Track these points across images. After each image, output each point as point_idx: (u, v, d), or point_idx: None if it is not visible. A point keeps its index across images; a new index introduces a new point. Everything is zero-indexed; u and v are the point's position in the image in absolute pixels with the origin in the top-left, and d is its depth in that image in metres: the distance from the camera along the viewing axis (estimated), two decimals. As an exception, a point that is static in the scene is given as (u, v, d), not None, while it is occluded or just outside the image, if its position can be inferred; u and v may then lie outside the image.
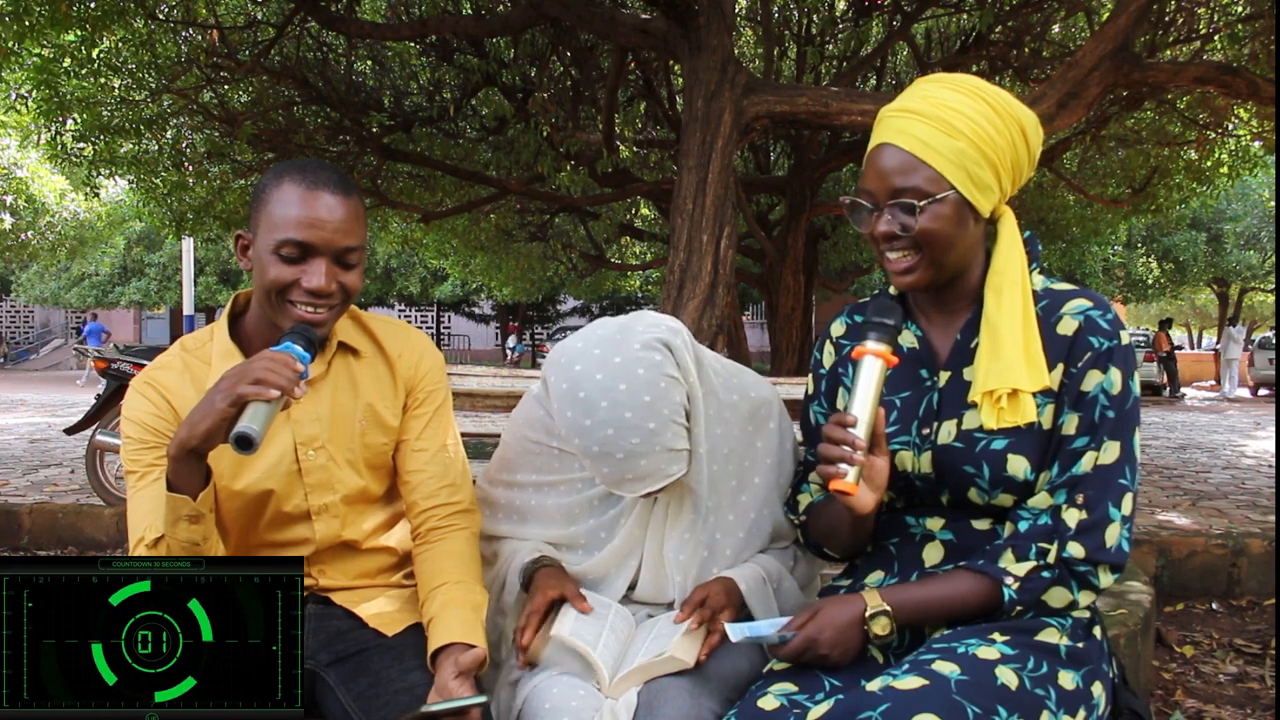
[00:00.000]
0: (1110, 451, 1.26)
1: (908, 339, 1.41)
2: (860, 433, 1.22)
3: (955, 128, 1.26)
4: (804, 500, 1.53)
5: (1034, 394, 1.27)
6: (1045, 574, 1.25)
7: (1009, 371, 1.26)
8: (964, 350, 1.36)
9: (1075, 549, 1.24)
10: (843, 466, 1.21)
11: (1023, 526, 1.27)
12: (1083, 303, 1.31)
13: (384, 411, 1.53)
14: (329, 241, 1.37)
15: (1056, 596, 1.25)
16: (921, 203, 1.26)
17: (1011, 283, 1.31)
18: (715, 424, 1.51)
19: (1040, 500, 1.28)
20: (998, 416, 1.27)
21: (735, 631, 1.31)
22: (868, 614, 1.26)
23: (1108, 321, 1.29)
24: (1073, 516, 1.25)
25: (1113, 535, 1.24)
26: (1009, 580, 1.24)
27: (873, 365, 1.25)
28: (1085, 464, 1.26)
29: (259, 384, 1.21)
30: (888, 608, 1.26)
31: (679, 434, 1.39)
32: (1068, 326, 1.30)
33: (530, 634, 1.43)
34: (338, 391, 1.51)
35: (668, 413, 1.35)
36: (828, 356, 1.53)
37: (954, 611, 1.28)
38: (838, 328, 1.54)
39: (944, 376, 1.36)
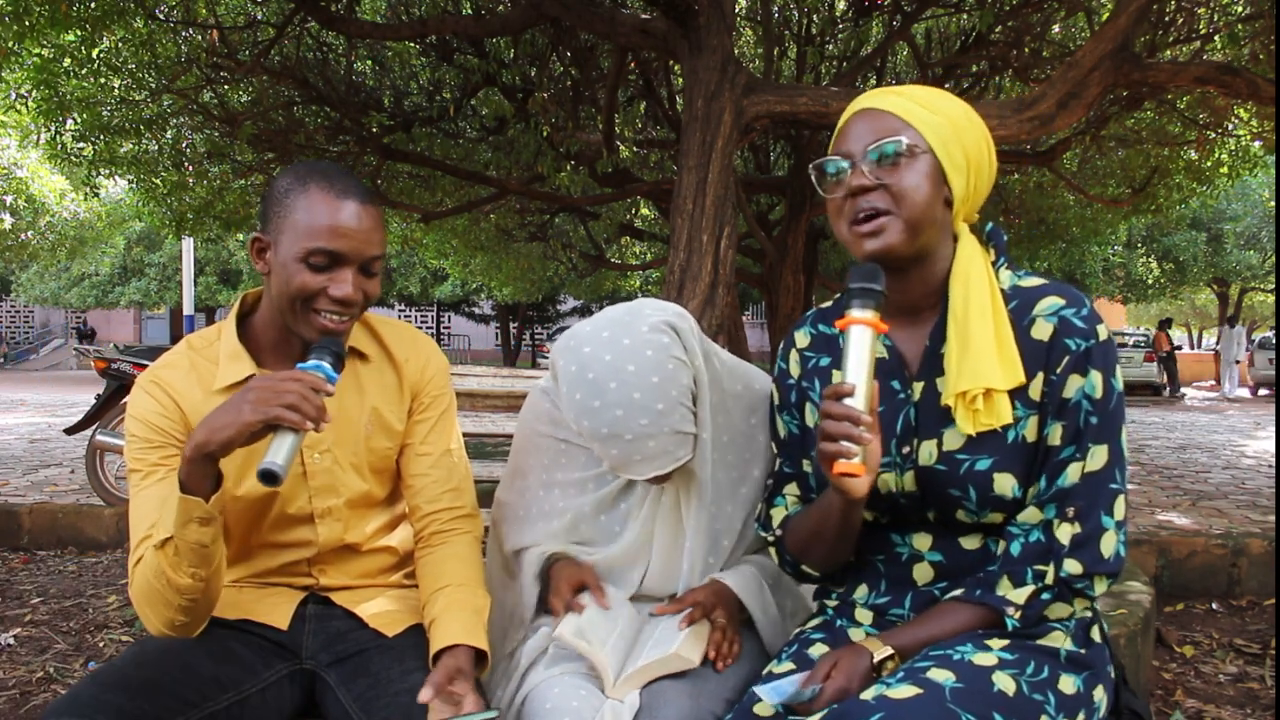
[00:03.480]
0: (1097, 457, 1.22)
1: (876, 349, 1.37)
2: (860, 405, 1.13)
3: (933, 105, 1.28)
4: (778, 515, 1.44)
5: (1014, 402, 1.23)
6: (1045, 595, 1.21)
7: (981, 369, 1.21)
8: (934, 357, 1.30)
9: (1073, 566, 1.20)
10: (849, 446, 1.12)
11: (1015, 548, 1.23)
12: (1054, 301, 1.25)
13: (389, 416, 1.53)
14: (358, 251, 1.36)
15: (1056, 611, 1.23)
16: (902, 152, 1.23)
17: (978, 278, 1.27)
18: (718, 412, 1.51)
19: (1030, 515, 1.24)
20: (974, 420, 1.22)
21: (767, 694, 1.26)
22: (876, 660, 1.22)
23: (1082, 319, 1.23)
24: (1066, 533, 1.21)
25: (1109, 545, 1.21)
26: (1010, 610, 1.21)
27: (862, 335, 1.16)
28: (1072, 475, 1.22)
29: (293, 410, 1.19)
30: (892, 652, 1.23)
31: (686, 417, 1.39)
32: (1042, 330, 1.24)
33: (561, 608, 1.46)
34: (344, 395, 1.50)
35: (675, 394, 1.36)
36: (794, 366, 1.46)
37: (951, 634, 1.25)
38: (802, 338, 1.47)
39: (918, 388, 1.31)
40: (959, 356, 1.23)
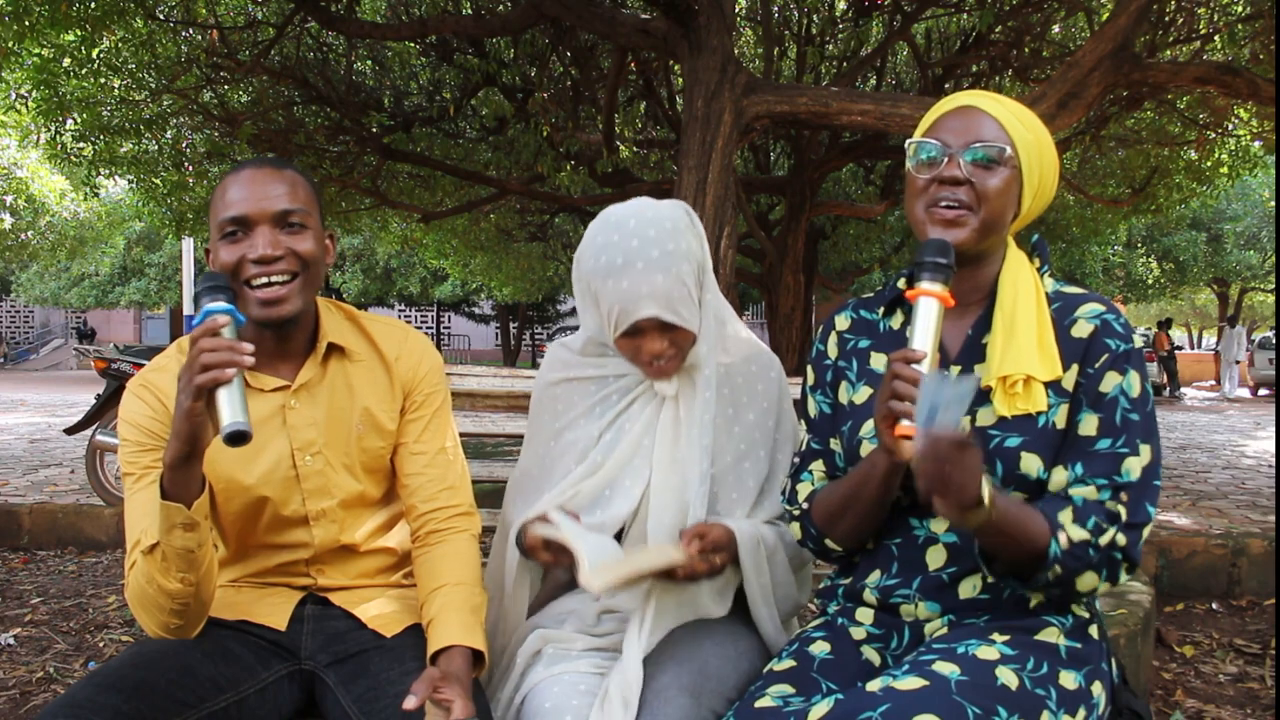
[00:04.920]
0: (1145, 454, 1.28)
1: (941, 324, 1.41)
2: (926, 369, 1.18)
3: (1029, 123, 1.35)
4: (804, 490, 1.48)
5: (1048, 389, 1.28)
6: (1091, 551, 1.23)
7: (1024, 358, 1.27)
8: (975, 346, 1.37)
9: (1121, 539, 1.24)
10: (915, 409, 1.14)
11: (1080, 502, 1.25)
12: (1096, 306, 1.34)
13: (381, 415, 1.52)
14: (263, 209, 1.36)
15: (1086, 581, 1.25)
16: (999, 159, 1.30)
17: (1026, 280, 1.35)
18: (717, 347, 1.56)
19: (1087, 493, 1.26)
20: (1010, 404, 1.28)
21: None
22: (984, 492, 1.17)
23: (1121, 325, 1.31)
24: (1124, 513, 1.26)
25: (1141, 535, 1.26)
26: (1061, 536, 1.22)
27: (930, 306, 1.22)
28: (1133, 471, 1.26)
29: (209, 370, 1.16)
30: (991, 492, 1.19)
31: (692, 280, 1.47)
32: (1083, 329, 1.32)
33: (551, 557, 1.44)
34: (334, 395, 1.49)
35: (686, 247, 1.46)
36: (832, 348, 1.52)
37: (1019, 536, 1.21)
38: (842, 321, 1.53)
39: (954, 371, 1.37)
40: (1004, 344, 1.30)
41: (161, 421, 1.41)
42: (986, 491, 1.16)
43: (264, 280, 1.36)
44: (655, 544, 1.46)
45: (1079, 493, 1.27)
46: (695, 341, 1.51)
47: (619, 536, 1.55)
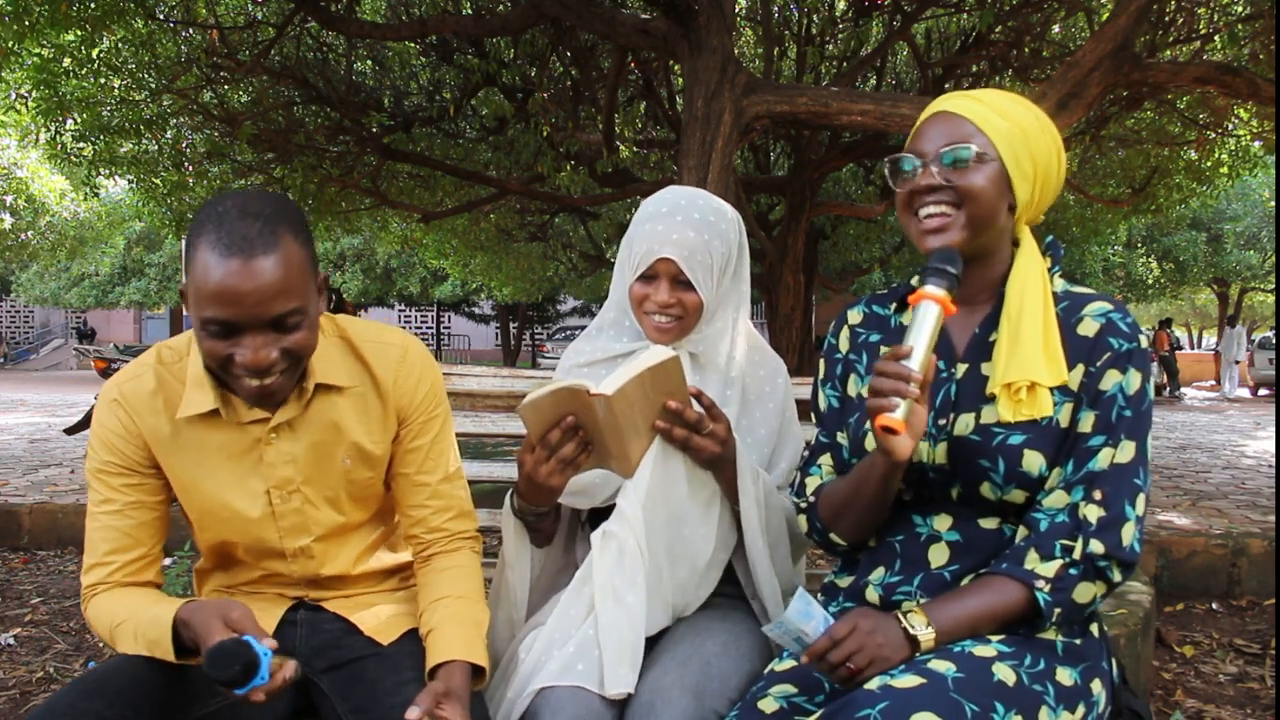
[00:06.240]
0: (1126, 450, 1.27)
1: (939, 327, 1.41)
2: (914, 365, 1.20)
3: (1007, 113, 1.34)
4: (812, 483, 1.50)
5: (1053, 391, 1.28)
6: (1072, 571, 1.24)
7: (1028, 364, 1.27)
8: (982, 344, 1.37)
9: (1096, 545, 1.24)
10: (894, 400, 1.19)
11: (1042, 525, 1.27)
12: (1103, 305, 1.34)
13: (371, 447, 1.42)
14: (253, 315, 1.17)
15: (1083, 592, 1.25)
16: (971, 158, 1.30)
17: (1034, 282, 1.34)
18: (734, 347, 1.62)
19: (1057, 499, 1.28)
20: (1015, 409, 1.28)
21: (790, 616, 1.27)
22: (910, 633, 1.23)
23: (1127, 325, 1.31)
24: (1093, 513, 1.25)
25: (1128, 534, 1.25)
26: (1039, 583, 1.23)
27: (929, 310, 1.24)
28: (1102, 460, 1.27)
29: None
30: (933, 635, 1.23)
31: (718, 259, 1.55)
32: (1089, 328, 1.32)
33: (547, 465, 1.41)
34: (317, 430, 1.39)
35: (724, 230, 1.57)
36: (844, 341, 1.54)
37: (996, 624, 1.26)
38: (855, 315, 1.55)
39: (961, 369, 1.37)
40: (1009, 350, 1.30)
41: (133, 444, 1.35)
42: (918, 631, 1.22)
43: (257, 382, 1.23)
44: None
45: (1050, 502, 1.28)
46: (700, 317, 1.56)
47: (607, 511, 1.53)
